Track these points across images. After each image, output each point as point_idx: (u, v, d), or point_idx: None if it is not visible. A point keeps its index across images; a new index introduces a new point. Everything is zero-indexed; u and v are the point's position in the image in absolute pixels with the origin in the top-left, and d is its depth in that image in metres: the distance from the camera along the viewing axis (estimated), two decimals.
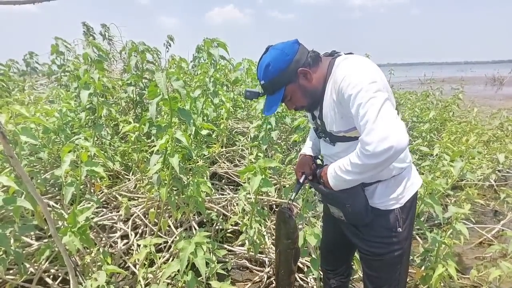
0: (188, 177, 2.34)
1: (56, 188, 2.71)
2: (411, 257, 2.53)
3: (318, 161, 1.67)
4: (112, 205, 2.78)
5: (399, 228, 1.43)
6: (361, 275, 2.46)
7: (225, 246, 2.59)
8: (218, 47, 2.72)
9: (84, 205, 2.47)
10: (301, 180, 1.53)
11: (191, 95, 2.46)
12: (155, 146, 2.32)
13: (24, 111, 1.99)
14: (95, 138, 2.72)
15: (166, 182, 2.12)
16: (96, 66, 2.87)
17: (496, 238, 3.10)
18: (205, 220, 2.86)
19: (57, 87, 3.91)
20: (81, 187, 2.54)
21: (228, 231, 2.88)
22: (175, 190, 2.37)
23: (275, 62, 1.33)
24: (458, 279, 2.47)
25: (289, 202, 1.54)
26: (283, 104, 1.46)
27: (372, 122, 1.14)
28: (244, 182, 2.63)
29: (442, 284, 2.24)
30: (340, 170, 1.30)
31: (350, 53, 1.41)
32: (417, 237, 2.68)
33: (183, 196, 2.25)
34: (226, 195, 3.04)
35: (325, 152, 1.56)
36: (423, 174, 2.41)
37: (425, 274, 2.29)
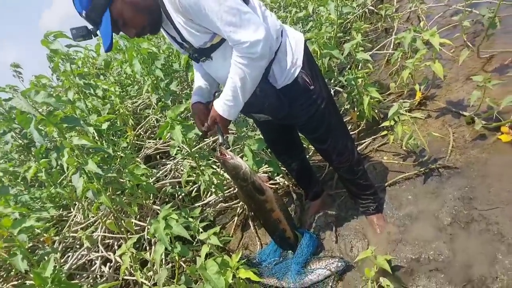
0: (119, 168, 2.22)
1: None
2: (341, 108, 2.74)
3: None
4: (73, 248, 2.62)
5: (311, 86, 1.50)
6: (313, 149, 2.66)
7: (197, 205, 2.61)
8: (57, 38, 2.40)
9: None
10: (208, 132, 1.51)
11: (66, 99, 2.22)
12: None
13: None
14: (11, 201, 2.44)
15: (101, 190, 2.00)
16: None
17: (396, 49, 3.41)
18: (166, 200, 2.82)
19: None
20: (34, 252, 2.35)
21: (193, 192, 2.88)
22: (117, 192, 2.27)
23: None
24: (384, 99, 2.74)
25: (218, 148, 1.53)
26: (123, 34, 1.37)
27: (235, 25, 1.18)
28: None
29: (375, 111, 2.48)
30: (228, 100, 1.34)
31: None
32: (338, 88, 2.86)
33: (127, 191, 2.16)
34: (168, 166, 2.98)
35: (212, 73, 1.53)
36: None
37: (358, 112, 2.52)
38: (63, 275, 2.01)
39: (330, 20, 2.63)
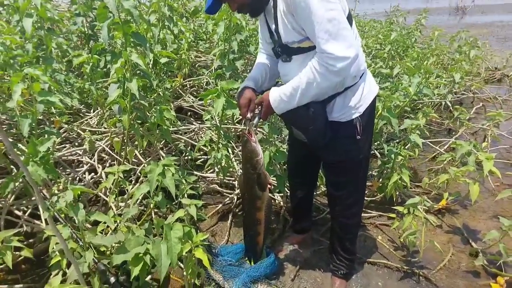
0: (150, 103, 2.29)
1: (13, 127, 2.59)
2: (369, 172, 2.72)
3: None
4: (75, 143, 2.71)
5: (358, 136, 1.51)
6: (324, 190, 2.65)
7: (196, 173, 2.65)
8: None
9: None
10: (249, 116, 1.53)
11: (146, 18, 2.31)
12: (112, 78, 2.23)
13: None
14: (47, 74, 2.56)
15: (127, 110, 2.07)
16: None
17: (448, 152, 3.35)
18: (173, 153, 2.88)
19: None
20: (40, 126, 2.46)
21: (199, 161, 2.93)
22: (139, 122, 2.34)
23: None
24: (411, 187, 2.71)
25: (250, 126, 1.53)
26: (227, 3, 1.43)
27: (331, 34, 1.19)
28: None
29: (397, 192, 2.45)
30: (285, 95, 1.37)
31: None
32: (376, 152, 2.85)
33: (147, 124, 2.22)
34: (192, 126, 3.04)
35: (283, 72, 1.56)
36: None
37: (382, 184, 2.50)
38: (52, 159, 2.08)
39: (407, 91, 2.62)
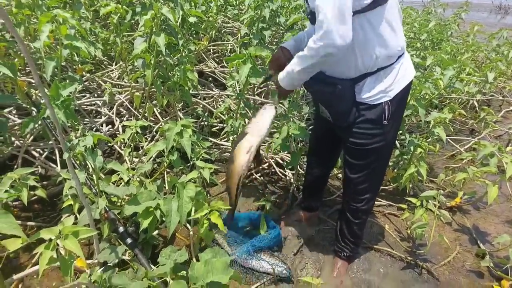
0: (174, 63, 2.25)
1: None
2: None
3: None
4: (95, 94, 2.72)
5: (384, 121, 1.46)
6: (337, 173, 2.62)
7: (211, 139, 2.65)
8: None
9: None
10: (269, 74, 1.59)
11: None
12: (139, 31, 2.19)
13: None
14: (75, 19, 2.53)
15: (151, 65, 2.05)
16: None
17: (468, 152, 3.26)
18: (191, 116, 2.87)
19: None
20: (62, 72, 2.45)
21: (214, 128, 2.92)
22: (161, 80, 2.31)
23: None
24: (426, 182, 2.66)
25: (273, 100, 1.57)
26: None
27: (324, 15, 1.16)
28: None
29: (410, 185, 2.40)
30: (287, 70, 1.40)
31: None
32: (397, 146, 2.78)
33: (169, 82, 2.20)
34: (212, 93, 3.01)
35: (309, 38, 1.51)
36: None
37: (396, 174, 2.45)
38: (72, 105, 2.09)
39: (437, 84, 2.52)
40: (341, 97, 1.45)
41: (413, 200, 2.03)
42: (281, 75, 1.44)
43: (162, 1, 2.17)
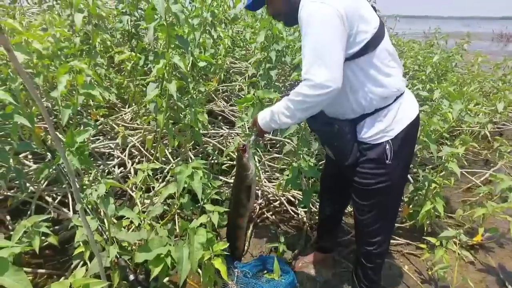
0: (185, 104, 2.31)
1: (52, 116, 2.68)
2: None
3: None
4: (108, 136, 2.78)
5: (387, 161, 1.43)
6: (351, 210, 2.57)
7: (221, 178, 2.64)
8: None
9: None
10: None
11: (190, 22, 2.35)
12: (152, 77, 2.27)
13: (17, 26, 1.89)
14: (90, 67, 2.65)
15: (163, 109, 2.09)
16: None
17: (485, 184, 3.18)
18: (201, 155, 2.89)
19: (50, 13, 3.71)
20: (77, 117, 2.53)
21: (225, 166, 2.92)
22: (172, 122, 2.36)
23: None
24: (443, 218, 2.57)
25: (246, 143, 1.65)
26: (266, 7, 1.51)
27: (306, 64, 1.25)
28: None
29: (428, 222, 2.33)
30: (269, 114, 1.46)
31: None
32: (409, 177, 2.73)
33: (180, 124, 2.24)
34: (222, 131, 3.05)
35: None
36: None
37: (412, 211, 2.39)
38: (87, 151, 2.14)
39: (446, 117, 2.50)
40: (341, 136, 1.47)
41: (432, 239, 1.95)
42: (263, 114, 1.51)
43: (174, 47, 2.26)
